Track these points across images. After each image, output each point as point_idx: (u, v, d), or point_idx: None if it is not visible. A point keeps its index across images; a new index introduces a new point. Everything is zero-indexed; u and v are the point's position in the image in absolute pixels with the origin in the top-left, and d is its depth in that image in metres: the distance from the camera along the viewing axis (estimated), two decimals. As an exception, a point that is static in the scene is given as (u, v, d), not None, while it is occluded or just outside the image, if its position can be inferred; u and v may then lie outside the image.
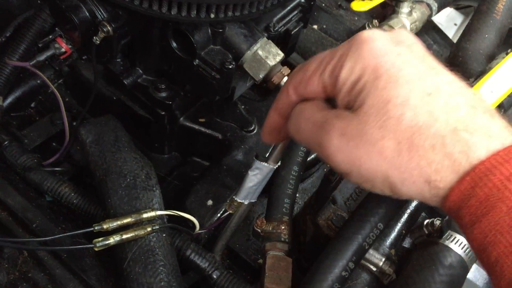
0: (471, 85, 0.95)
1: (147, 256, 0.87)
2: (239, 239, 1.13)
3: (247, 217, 1.14)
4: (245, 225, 1.15)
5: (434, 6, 1.39)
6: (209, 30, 0.93)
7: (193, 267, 0.96)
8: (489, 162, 0.49)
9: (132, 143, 1.05)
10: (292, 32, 1.06)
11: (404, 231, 0.93)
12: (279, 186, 1.05)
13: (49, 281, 0.92)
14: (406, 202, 0.92)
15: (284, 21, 1.04)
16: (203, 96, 1.17)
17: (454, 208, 0.51)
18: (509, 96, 0.95)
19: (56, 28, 1.00)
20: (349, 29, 1.42)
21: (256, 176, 0.92)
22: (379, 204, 0.81)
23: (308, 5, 1.08)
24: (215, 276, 0.95)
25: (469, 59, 1.11)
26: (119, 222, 0.88)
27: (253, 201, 0.97)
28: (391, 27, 1.28)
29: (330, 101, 0.60)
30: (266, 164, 0.92)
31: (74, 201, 1.00)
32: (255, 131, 1.23)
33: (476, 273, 0.87)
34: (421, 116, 0.51)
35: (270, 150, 0.95)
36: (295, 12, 1.06)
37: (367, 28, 1.27)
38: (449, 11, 2.23)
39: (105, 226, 0.87)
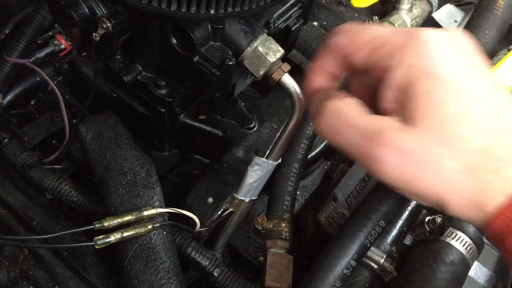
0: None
1: (148, 253, 0.87)
2: (240, 237, 1.13)
3: (248, 215, 1.14)
4: (246, 223, 1.15)
5: (435, 2, 1.38)
6: (209, 26, 0.93)
7: (194, 265, 0.96)
8: None
9: (132, 140, 1.04)
10: (292, 29, 1.05)
11: (405, 228, 0.93)
12: (279, 184, 1.05)
13: (49, 279, 0.92)
14: (407, 200, 0.91)
15: (284, 18, 1.04)
16: (203, 93, 1.17)
17: (498, 231, 0.48)
18: (510, 93, 0.95)
19: (56, 25, 1.00)
20: (349, 25, 1.41)
21: (256, 172, 0.92)
22: (381, 201, 0.81)
23: (308, 2, 1.08)
24: (216, 274, 0.95)
25: (470, 56, 1.11)
26: (119, 220, 0.88)
27: (254, 198, 0.97)
28: (392, 24, 1.27)
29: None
30: (265, 160, 0.91)
31: (75, 198, 1.00)
32: (255, 128, 1.23)
33: (477, 270, 0.86)
34: (487, 137, 0.48)
35: (270, 147, 0.96)
36: (295, 8, 1.06)
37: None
38: (449, 8, 2.22)
39: (105, 224, 0.87)
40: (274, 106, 1.27)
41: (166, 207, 0.93)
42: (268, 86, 0.95)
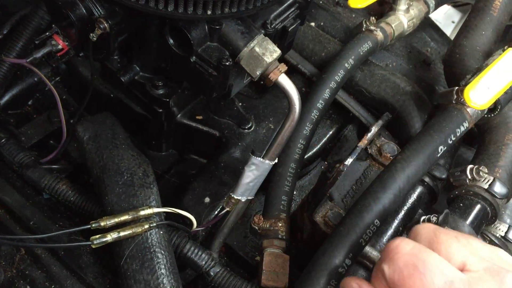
0: (468, 81, 0.95)
1: (144, 253, 0.87)
2: (237, 237, 1.13)
3: (244, 215, 1.14)
4: (243, 223, 1.15)
5: (432, 3, 1.39)
6: (206, 27, 0.93)
7: (191, 265, 0.96)
8: None
9: (129, 141, 1.05)
10: (289, 29, 1.06)
11: (401, 228, 0.93)
12: (276, 184, 1.05)
13: (46, 278, 0.92)
14: (403, 200, 0.92)
15: (281, 18, 1.04)
16: (200, 93, 1.17)
17: None
18: (505, 92, 0.95)
19: (53, 25, 1.00)
20: (346, 26, 1.41)
21: (253, 172, 0.92)
22: (375, 201, 0.81)
23: (305, 2, 1.08)
24: (212, 274, 0.95)
25: (466, 56, 1.11)
26: (116, 220, 0.88)
27: (251, 198, 0.98)
28: (389, 25, 1.28)
29: None
30: (262, 159, 0.92)
31: (72, 198, 1.00)
32: (252, 128, 1.23)
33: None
34: None
35: (267, 147, 0.96)
36: (292, 9, 1.06)
37: (364, 25, 1.27)
38: (447, 9, 2.23)
39: (102, 224, 0.87)
40: (271, 106, 1.28)
41: (163, 206, 0.94)
42: (265, 86, 0.95)
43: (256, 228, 1.02)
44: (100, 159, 0.98)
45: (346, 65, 1.19)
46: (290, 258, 0.97)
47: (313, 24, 1.41)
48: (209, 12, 0.89)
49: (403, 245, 0.56)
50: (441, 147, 0.89)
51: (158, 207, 0.93)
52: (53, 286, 0.91)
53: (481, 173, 0.93)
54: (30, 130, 1.19)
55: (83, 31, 0.94)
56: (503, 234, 0.96)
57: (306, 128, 1.11)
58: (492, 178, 0.92)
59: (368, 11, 1.48)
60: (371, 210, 0.81)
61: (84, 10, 0.92)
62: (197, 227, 0.96)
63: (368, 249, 0.88)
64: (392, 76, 1.26)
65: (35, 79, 1.25)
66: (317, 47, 1.34)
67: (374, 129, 1.09)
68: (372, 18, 1.29)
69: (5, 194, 1.02)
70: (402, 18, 1.31)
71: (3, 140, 1.06)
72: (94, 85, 1.08)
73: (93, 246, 0.86)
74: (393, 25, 1.28)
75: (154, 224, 0.89)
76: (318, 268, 0.77)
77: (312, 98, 1.14)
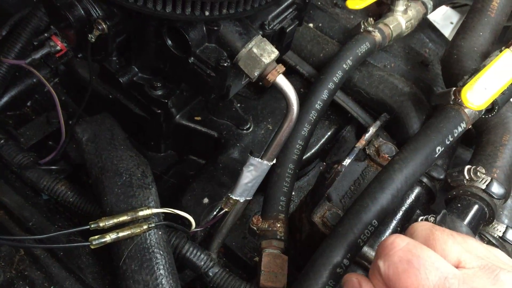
0: (466, 82, 0.95)
1: (143, 254, 0.87)
2: (235, 237, 1.13)
3: (243, 215, 1.15)
4: (241, 223, 1.16)
5: (430, 4, 1.39)
6: (204, 28, 0.93)
7: (189, 265, 0.96)
8: None
9: (128, 141, 1.05)
10: (287, 30, 1.06)
11: (399, 228, 0.94)
12: (275, 184, 1.05)
13: (45, 279, 0.92)
14: (401, 200, 0.92)
15: (279, 19, 1.04)
16: (199, 94, 1.17)
17: None
18: (502, 93, 0.96)
19: (51, 26, 1.00)
20: (344, 27, 1.42)
21: (251, 172, 0.93)
22: (373, 201, 0.82)
23: (303, 3, 1.08)
24: (211, 274, 0.95)
25: (463, 57, 1.12)
26: (115, 220, 0.88)
27: (249, 198, 0.98)
28: (387, 26, 1.28)
29: None
30: (260, 160, 0.92)
31: (71, 199, 1.01)
32: (251, 129, 1.23)
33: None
34: None
35: (265, 148, 0.96)
36: (290, 10, 1.07)
37: (362, 26, 1.27)
38: (445, 10, 2.23)
39: (101, 224, 0.88)
40: (270, 107, 1.28)
41: (162, 207, 0.94)
42: (263, 87, 0.96)
43: (255, 228, 1.03)
44: (99, 160, 0.99)
45: (344, 66, 1.19)
46: (288, 258, 0.97)
47: (311, 25, 1.42)
48: (207, 13, 0.90)
49: (398, 241, 0.57)
50: (438, 147, 0.89)
51: (156, 207, 0.94)
52: (52, 287, 0.91)
53: (478, 173, 0.93)
54: (29, 131, 1.19)
55: (82, 32, 0.94)
56: (500, 235, 0.96)
57: (305, 129, 1.11)
58: (489, 178, 0.93)
59: (366, 12, 1.49)
60: (369, 211, 0.81)
61: (82, 12, 0.93)
62: (195, 227, 0.96)
63: (366, 249, 0.88)
64: (390, 77, 1.27)
65: (34, 80, 1.25)
66: (315, 48, 1.34)
67: (372, 130, 1.10)
68: (370, 19, 1.29)
69: (4, 195, 1.02)
70: (400, 19, 1.31)
71: (2, 141, 1.06)
72: (92, 86, 1.08)
73: (92, 247, 0.86)
74: (391, 26, 1.28)
75: (153, 225, 0.89)
76: (316, 269, 0.77)
77: (310, 99, 1.14)
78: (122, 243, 0.88)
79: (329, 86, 1.16)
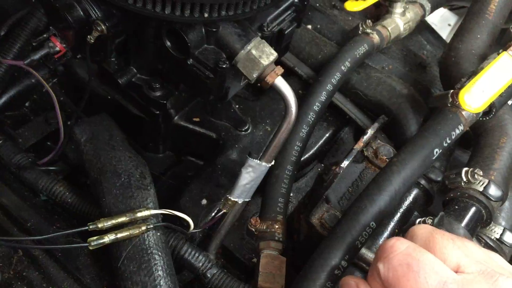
0: (463, 84, 0.96)
1: (142, 255, 0.87)
2: (234, 238, 1.14)
3: (241, 217, 1.15)
4: (240, 224, 1.16)
5: (427, 6, 1.39)
6: (203, 30, 0.94)
7: (188, 266, 0.96)
8: None
9: (126, 142, 1.05)
10: (286, 32, 1.06)
11: (397, 230, 0.94)
12: (273, 186, 1.05)
13: (43, 280, 0.92)
14: (398, 202, 0.92)
15: (277, 21, 1.05)
16: (197, 95, 1.17)
17: None
18: (500, 95, 0.96)
19: (50, 27, 1.00)
20: (343, 29, 1.42)
21: (249, 174, 0.93)
22: (371, 203, 0.82)
23: (302, 5, 1.09)
24: (209, 275, 0.95)
25: (461, 59, 1.12)
26: (113, 221, 0.88)
27: (247, 200, 0.98)
28: (385, 27, 1.28)
29: None
30: (259, 161, 0.92)
31: (69, 200, 1.00)
32: (249, 131, 1.23)
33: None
34: None
35: (264, 149, 0.96)
36: (289, 11, 1.07)
37: (360, 28, 1.28)
38: (443, 12, 2.24)
39: (99, 225, 0.88)
40: (268, 108, 1.28)
41: (160, 208, 0.94)
42: (262, 88, 0.96)
43: (253, 230, 1.03)
44: (98, 160, 0.99)
45: (343, 67, 1.20)
46: (286, 260, 0.97)
47: (309, 26, 1.42)
48: (206, 15, 0.90)
49: (398, 244, 0.57)
50: (436, 149, 0.89)
51: (155, 208, 0.94)
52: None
53: (476, 175, 0.94)
54: (28, 131, 1.19)
55: (81, 33, 0.94)
56: (498, 237, 0.97)
57: (303, 130, 1.11)
58: (487, 180, 0.93)
59: (365, 14, 1.49)
60: (367, 212, 0.81)
61: (81, 12, 0.93)
62: (194, 228, 0.96)
63: (364, 251, 0.88)
64: (388, 79, 1.27)
65: (33, 80, 1.25)
66: (313, 50, 1.34)
67: (370, 132, 1.10)
68: (369, 21, 1.29)
69: (2, 195, 1.01)
70: (398, 21, 1.32)
71: (0, 142, 1.06)
72: (91, 87, 1.08)
73: (91, 248, 0.86)
74: (389, 28, 1.29)
75: (151, 226, 0.89)
76: (314, 270, 0.77)
77: (308, 100, 1.15)
78: (121, 244, 0.88)
79: (327, 87, 1.17)
